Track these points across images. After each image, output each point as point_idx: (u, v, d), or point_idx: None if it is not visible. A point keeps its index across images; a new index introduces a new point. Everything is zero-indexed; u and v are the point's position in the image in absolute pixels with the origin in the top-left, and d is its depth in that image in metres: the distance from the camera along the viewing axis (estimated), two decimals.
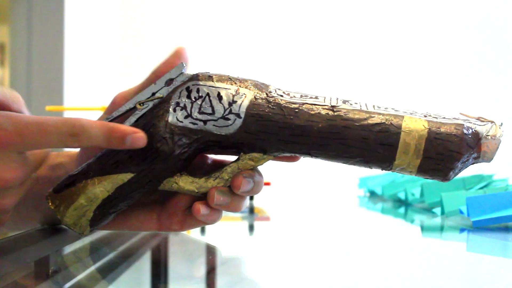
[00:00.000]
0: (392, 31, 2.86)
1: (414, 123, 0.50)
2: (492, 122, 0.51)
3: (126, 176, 0.51)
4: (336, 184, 2.18)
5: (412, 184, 1.23)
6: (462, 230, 0.89)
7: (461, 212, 0.91)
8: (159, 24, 2.83)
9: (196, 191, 0.52)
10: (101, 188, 0.51)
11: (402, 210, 1.22)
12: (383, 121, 0.50)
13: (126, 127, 0.49)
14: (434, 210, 1.05)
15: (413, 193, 1.19)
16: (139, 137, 0.49)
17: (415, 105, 0.53)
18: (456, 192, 0.98)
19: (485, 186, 1.08)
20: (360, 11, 2.87)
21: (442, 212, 0.96)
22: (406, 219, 1.14)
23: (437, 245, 0.84)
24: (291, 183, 2.28)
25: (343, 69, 2.85)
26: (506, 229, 0.84)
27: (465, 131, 0.50)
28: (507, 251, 0.77)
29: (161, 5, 2.86)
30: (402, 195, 1.27)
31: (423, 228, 1.01)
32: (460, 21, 2.85)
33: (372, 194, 1.48)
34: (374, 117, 0.50)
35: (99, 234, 0.72)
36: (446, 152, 0.50)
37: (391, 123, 0.50)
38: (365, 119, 0.50)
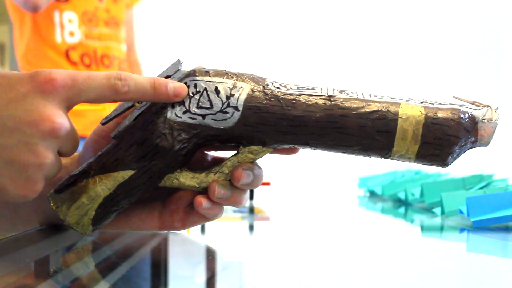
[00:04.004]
0: (388, 22, 2.86)
1: (411, 109, 0.51)
2: (487, 106, 0.52)
3: (127, 173, 0.51)
4: (336, 184, 2.18)
5: (412, 184, 1.23)
6: (462, 230, 0.89)
7: (461, 212, 0.91)
8: (160, 23, 2.83)
9: (197, 186, 0.53)
10: (102, 186, 0.52)
11: (402, 210, 1.22)
12: (380, 108, 0.51)
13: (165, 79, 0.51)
14: (434, 210, 1.05)
15: (413, 193, 1.19)
16: (182, 86, 0.51)
17: (412, 94, 0.54)
18: (456, 192, 0.98)
19: (485, 186, 1.08)
20: (356, 2, 2.87)
21: (442, 212, 0.96)
22: (406, 219, 1.14)
23: (437, 245, 0.84)
24: (291, 183, 2.28)
25: (340, 60, 2.85)
26: (506, 229, 0.84)
27: (461, 116, 0.51)
28: (507, 251, 0.77)
29: (162, 4, 2.86)
30: (402, 195, 1.26)
31: (423, 228, 1.01)
32: (457, 11, 2.85)
33: (372, 194, 1.48)
34: (371, 105, 0.51)
35: (99, 234, 0.72)
36: (443, 137, 0.50)
37: (388, 110, 0.50)
38: (362, 107, 0.51)
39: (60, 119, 0.46)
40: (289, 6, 2.88)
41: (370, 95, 0.52)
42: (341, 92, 0.52)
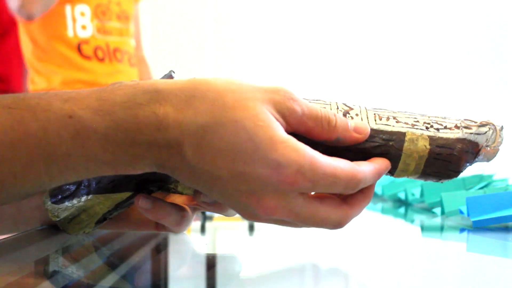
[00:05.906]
0: (393, 29, 2.86)
1: (416, 143, 0.50)
2: (493, 127, 0.51)
3: (125, 195, 0.52)
4: None
5: (412, 184, 1.22)
6: (462, 230, 0.89)
7: (461, 212, 0.91)
8: (162, 23, 2.83)
9: (193, 194, 0.53)
10: (100, 206, 0.52)
11: (402, 210, 1.21)
12: (383, 142, 0.50)
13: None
14: (434, 210, 1.05)
15: (413, 193, 1.19)
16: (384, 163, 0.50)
17: (416, 105, 0.54)
18: (456, 192, 0.97)
19: (485, 186, 1.08)
20: (362, 10, 2.87)
21: (442, 212, 0.96)
22: (406, 219, 1.14)
23: (437, 245, 0.84)
24: None
25: (346, 68, 2.85)
26: (506, 229, 0.84)
27: (465, 149, 0.50)
28: (507, 251, 0.77)
29: (164, 5, 2.86)
30: (402, 195, 1.26)
31: (423, 228, 1.01)
32: (461, 18, 2.85)
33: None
34: (375, 138, 0.50)
35: (99, 234, 0.72)
36: (444, 171, 0.51)
37: (392, 145, 0.50)
38: (367, 141, 0.50)
39: None
40: (292, 7, 2.88)
41: (375, 118, 0.51)
42: (345, 114, 0.50)
